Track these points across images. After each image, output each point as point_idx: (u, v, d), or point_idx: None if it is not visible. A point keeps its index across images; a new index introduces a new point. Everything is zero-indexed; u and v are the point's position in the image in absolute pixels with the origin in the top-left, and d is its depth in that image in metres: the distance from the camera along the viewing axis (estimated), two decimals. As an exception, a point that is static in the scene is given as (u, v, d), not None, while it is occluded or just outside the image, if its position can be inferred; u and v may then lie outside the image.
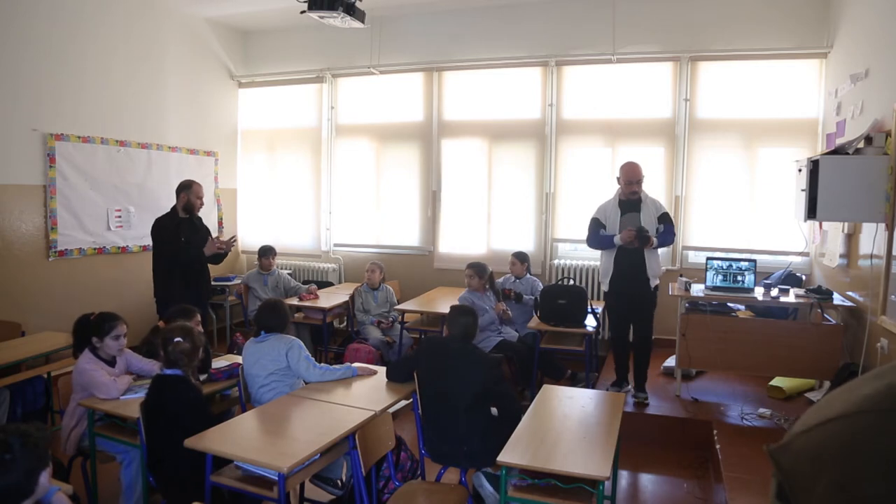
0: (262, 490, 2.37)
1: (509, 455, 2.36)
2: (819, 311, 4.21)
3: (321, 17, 4.43)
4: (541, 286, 5.16)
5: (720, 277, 4.39)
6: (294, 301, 5.47)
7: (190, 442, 2.40)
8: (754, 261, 4.43)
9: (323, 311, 5.34)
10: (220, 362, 3.48)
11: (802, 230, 4.86)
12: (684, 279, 4.60)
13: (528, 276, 5.33)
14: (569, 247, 6.09)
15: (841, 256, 4.35)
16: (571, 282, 5.21)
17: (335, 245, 6.83)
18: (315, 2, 4.26)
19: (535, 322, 4.68)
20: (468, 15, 6.14)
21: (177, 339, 2.74)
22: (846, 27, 4.69)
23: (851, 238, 4.16)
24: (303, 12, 4.34)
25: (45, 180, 5.02)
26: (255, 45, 7.11)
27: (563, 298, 4.60)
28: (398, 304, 5.49)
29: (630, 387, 4.38)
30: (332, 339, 5.89)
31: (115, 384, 3.01)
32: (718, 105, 5.50)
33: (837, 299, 4.13)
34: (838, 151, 3.82)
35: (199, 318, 3.49)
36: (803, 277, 5.07)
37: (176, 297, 4.15)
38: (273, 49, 6.99)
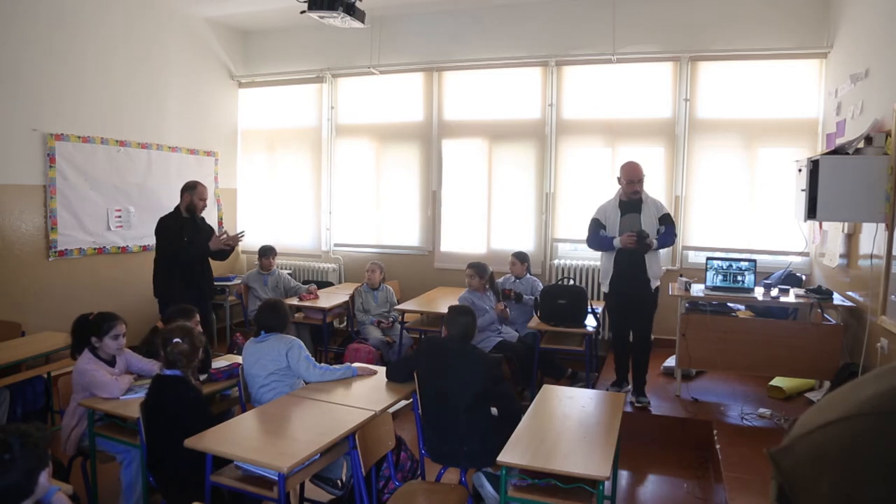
0: (262, 490, 2.37)
1: (509, 455, 2.36)
2: (819, 311, 4.21)
3: (321, 17, 4.43)
4: (541, 286, 5.16)
5: (720, 277, 4.39)
6: (294, 301, 5.47)
7: (190, 442, 2.40)
8: (754, 261, 4.43)
9: (323, 311, 5.34)
10: (220, 362, 3.48)
11: (802, 230, 4.86)
12: (684, 279, 4.60)
13: (528, 276, 5.33)
14: (569, 247, 6.08)
15: (841, 256, 4.35)
16: (571, 282, 5.21)
17: (335, 245, 6.83)
18: (315, 2, 4.26)
19: (535, 322, 4.68)
20: (468, 15, 6.14)
21: (175, 340, 2.74)
22: (846, 27, 4.69)
23: (851, 238, 4.16)
24: (303, 12, 4.34)
25: (45, 180, 5.02)
26: (255, 45, 7.11)
27: (563, 298, 4.60)
28: (398, 304, 5.49)
29: (629, 387, 4.37)
30: (332, 339, 5.89)
31: (118, 383, 3.01)
32: (718, 105, 5.50)
33: (837, 299, 4.13)
34: (838, 151, 3.82)
35: (198, 318, 3.49)
36: (803, 277, 5.07)
37: (177, 296, 4.16)
38: (273, 49, 6.99)
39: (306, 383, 3.19)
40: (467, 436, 2.85)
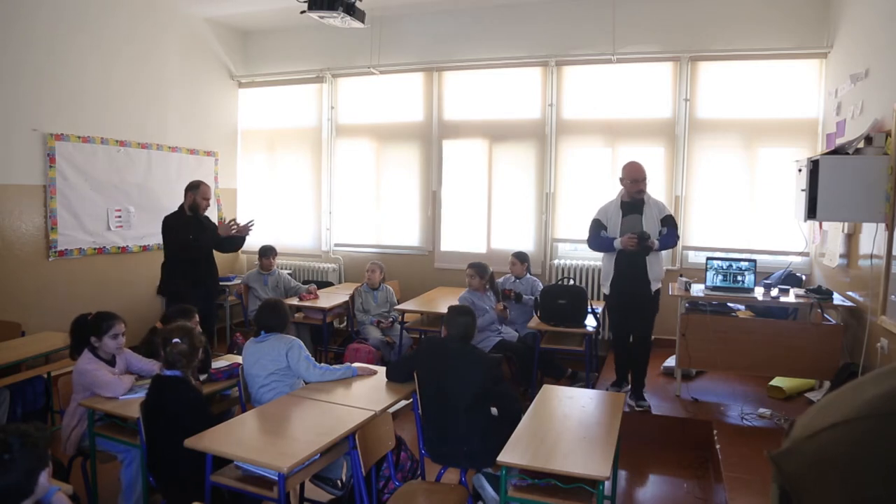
0: (262, 490, 2.37)
1: (509, 455, 2.36)
2: (819, 311, 4.21)
3: (321, 17, 4.43)
4: (541, 286, 5.16)
5: (720, 277, 4.39)
6: (294, 301, 5.48)
7: (190, 442, 2.40)
8: (754, 261, 4.43)
9: (323, 311, 5.34)
10: (220, 362, 3.48)
11: (802, 230, 4.86)
12: (684, 279, 4.59)
13: (528, 276, 5.33)
14: (569, 247, 6.08)
15: (841, 256, 4.35)
16: (571, 282, 5.20)
17: (335, 245, 6.83)
18: (315, 2, 4.26)
19: (535, 322, 4.68)
20: (468, 15, 6.14)
21: (175, 340, 2.74)
22: (846, 27, 4.69)
23: (851, 238, 4.16)
24: (303, 12, 4.34)
25: (45, 180, 5.02)
26: (255, 45, 7.11)
27: (563, 298, 4.60)
28: (398, 304, 5.49)
29: (629, 387, 4.36)
30: (332, 339, 5.89)
31: (120, 381, 3.02)
32: (718, 105, 5.50)
33: (837, 299, 4.13)
34: (838, 151, 3.82)
35: (197, 318, 3.49)
36: (803, 277, 5.07)
37: (183, 294, 4.23)
38: (273, 49, 6.99)
39: (306, 383, 3.19)
40: (467, 436, 2.85)
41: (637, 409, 4.16)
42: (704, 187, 5.57)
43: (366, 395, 3.03)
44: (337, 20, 4.46)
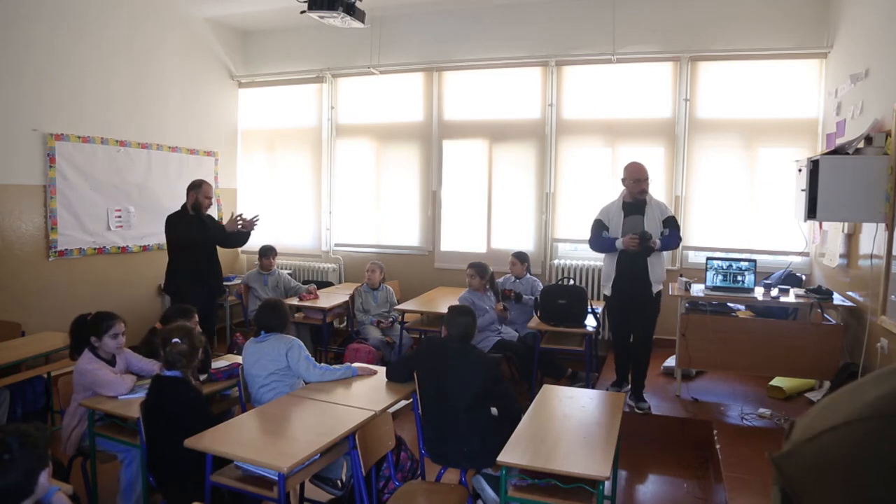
0: (262, 490, 2.37)
1: (509, 455, 2.36)
2: (819, 311, 4.21)
3: (321, 17, 4.43)
4: (541, 286, 5.15)
5: (720, 277, 4.39)
6: (294, 301, 5.48)
7: (190, 442, 2.40)
8: (754, 261, 4.42)
9: (323, 311, 5.34)
10: (220, 362, 3.48)
11: (802, 230, 4.86)
12: (684, 279, 4.59)
13: (528, 276, 5.33)
14: (569, 247, 6.09)
15: (841, 256, 4.35)
16: (571, 282, 5.20)
17: (335, 245, 6.83)
18: (315, 2, 4.26)
19: (535, 322, 4.68)
20: (468, 15, 6.14)
21: (174, 340, 2.74)
22: (846, 27, 4.69)
23: (851, 238, 4.16)
24: (303, 12, 4.34)
25: (45, 180, 5.02)
26: (255, 45, 7.11)
27: (563, 298, 4.60)
28: (398, 304, 5.49)
29: (629, 387, 4.36)
30: (332, 339, 5.89)
31: (122, 380, 3.02)
32: (718, 105, 5.50)
33: (837, 299, 4.13)
34: (838, 151, 3.81)
35: (197, 318, 3.49)
36: (803, 277, 5.07)
37: (188, 293, 4.24)
38: (273, 49, 6.99)
39: (306, 383, 3.19)
40: (467, 436, 2.85)
41: (637, 411, 4.16)
42: (704, 187, 5.57)
43: (366, 395, 3.03)
44: (337, 20, 4.46)
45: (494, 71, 6.13)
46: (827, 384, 4.13)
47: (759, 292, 4.32)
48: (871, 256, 3.73)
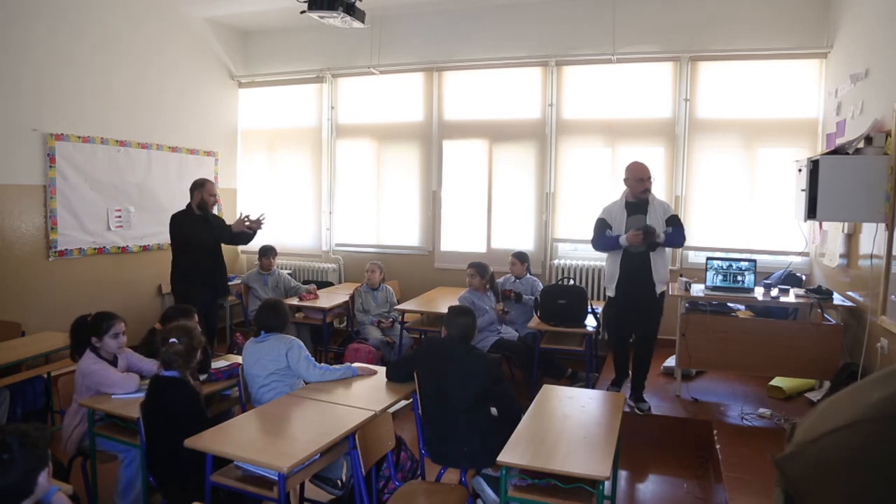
0: (262, 490, 2.37)
1: (509, 455, 2.36)
2: (819, 311, 4.21)
3: (321, 17, 4.42)
4: (541, 286, 5.15)
5: (720, 277, 4.39)
6: (294, 301, 5.48)
7: (190, 442, 2.40)
8: (754, 261, 4.42)
9: (323, 311, 5.34)
10: (220, 362, 3.48)
11: (802, 230, 4.86)
12: (684, 279, 4.59)
13: (528, 276, 5.33)
14: (569, 247, 6.08)
15: (841, 256, 4.35)
16: (571, 282, 5.20)
17: (335, 245, 6.83)
18: (315, 2, 4.26)
19: (535, 322, 4.68)
20: (468, 15, 6.14)
21: (171, 340, 2.73)
22: (846, 27, 4.69)
23: (851, 238, 4.16)
24: (303, 12, 4.34)
25: (45, 180, 5.02)
26: (255, 45, 7.11)
27: (563, 298, 4.60)
28: (398, 304, 5.49)
29: (627, 381, 4.34)
30: (332, 339, 5.89)
31: (129, 379, 3.02)
32: (718, 105, 5.50)
33: (837, 299, 4.13)
34: (838, 151, 3.81)
35: (197, 318, 3.49)
36: (803, 277, 5.07)
37: (193, 293, 4.22)
38: (273, 49, 6.99)
39: (306, 383, 3.19)
40: (467, 436, 2.85)
41: (637, 411, 4.15)
42: (704, 187, 5.57)
43: (366, 395, 3.03)
44: (337, 20, 4.46)
45: (494, 71, 6.13)
46: (827, 384, 4.13)
47: (759, 292, 4.32)
48: (871, 256, 3.73)
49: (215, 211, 4.92)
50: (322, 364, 3.26)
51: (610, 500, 2.94)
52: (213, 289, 4.72)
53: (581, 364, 4.73)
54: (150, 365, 3.23)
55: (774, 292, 4.27)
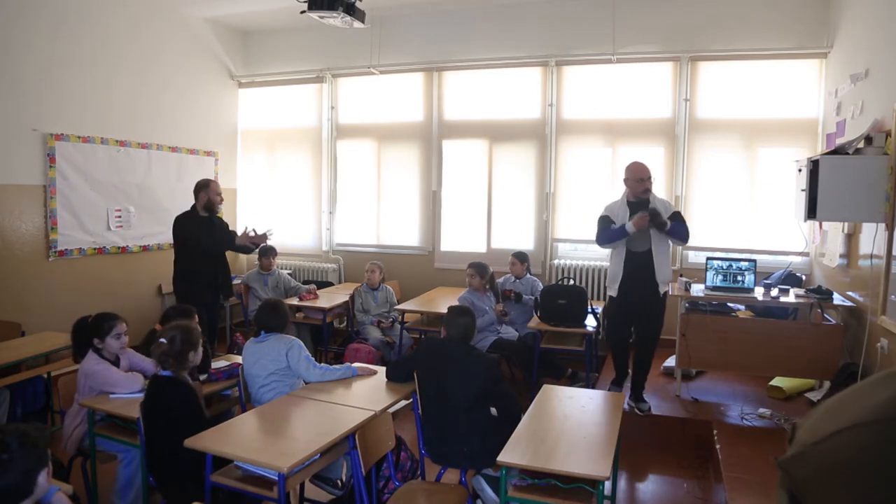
0: (262, 490, 2.37)
1: (509, 455, 2.36)
2: (819, 311, 4.21)
3: (321, 17, 4.42)
4: (541, 286, 5.15)
5: (720, 277, 4.39)
6: (294, 301, 5.48)
7: (190, 442, 2.40)
8: (754, 261, 4.43)
9: (323, 311, 5.34)
10: (220, 362, 3.48)
11: (802, 230, 4.86)
12: (684, 279, 4.59)
13: (528, 276, 5.33)
14: (569, 247, 6.08)
15: (841, 256, 4.35)
16: (571, 282, 5.20)
17: (335, 245, 6.83)
18: (315, 2, 4.26)
19: (535, 322, 4.68)
20: (468, 15, 6.14)
21: (160, 341, 2.73)
22: (846, 27, 4.69)
23: (851, 238, 4.16)
24: (303, 12, 4.34)
25: (45, 180, 5.02)
26: (255, 45, 7.11)
27: (564, 298, 4.60)
28: (398, 304, 5.49)
29: (627, 380, 4.33)
30: (332, 339, 5.89)
31: (134, 378, 3.03)
32: (718, 105, 5.50)
33: (837, 299, 4.13)
34: (838, 151, 3.81)
35: (197, 318, 3.49)
36: (803, 277, 5.07)
37: (198, 294, 4.22)
38: (273, 49, 6.99)
39: (306, 383, 3.19)
40: (467, 436, 2.85)
41: (637, 411, 4.15)
42: (704, 187, 5.56)
43: (366, 395, 3.03)
44: (337, 20, 4.46)
45: (494, 71, 6.13)
46: (827, 384, 4.13)
47: (759, 292, 4.32)
48: (871, 256, 3.73)
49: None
50: (322, 364, 3.26)
51: (610, 500, 2.94)
52: (215, 289, 4.71)
53: (581, 364, 4.73)
54: (152, 365, 3.22)
55: (774, 292, 4.27)
